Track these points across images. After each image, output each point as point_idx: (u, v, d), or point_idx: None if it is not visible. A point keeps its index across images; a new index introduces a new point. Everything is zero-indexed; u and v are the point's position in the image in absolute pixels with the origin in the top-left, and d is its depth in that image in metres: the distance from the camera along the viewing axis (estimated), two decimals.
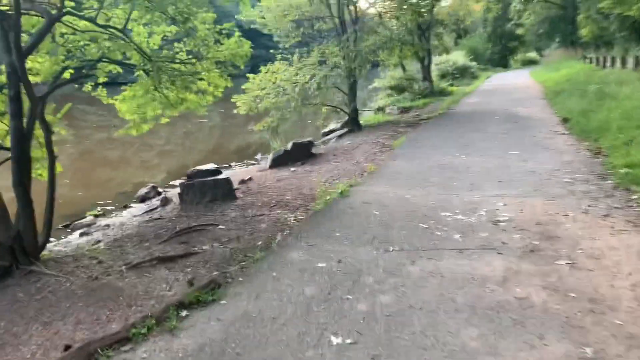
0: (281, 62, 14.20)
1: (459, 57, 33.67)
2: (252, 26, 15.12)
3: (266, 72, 13.74)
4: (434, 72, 29.56)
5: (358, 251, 4.53)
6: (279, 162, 10.65)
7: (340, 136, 13.59)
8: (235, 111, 13.81)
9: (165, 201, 8.25)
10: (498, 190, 6.20)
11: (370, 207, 5.95)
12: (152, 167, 15.66)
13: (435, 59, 30.97)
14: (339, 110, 15.48)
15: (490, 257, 4.15)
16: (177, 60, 7.07)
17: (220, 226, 5.99)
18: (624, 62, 20.30)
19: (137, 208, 8.48)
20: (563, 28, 37.46)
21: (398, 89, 23.83)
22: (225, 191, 7.68)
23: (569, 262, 3.92)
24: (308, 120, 18.39)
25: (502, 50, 51.22)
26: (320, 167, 9.78)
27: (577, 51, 33.92)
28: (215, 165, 8.19)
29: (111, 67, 6.99)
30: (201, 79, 7.60)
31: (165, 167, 15.24)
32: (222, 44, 7.25)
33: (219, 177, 7.81)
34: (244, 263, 4.51)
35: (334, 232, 5.13)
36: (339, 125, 16.73)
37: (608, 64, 22.44)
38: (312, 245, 4.80)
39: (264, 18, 15.32)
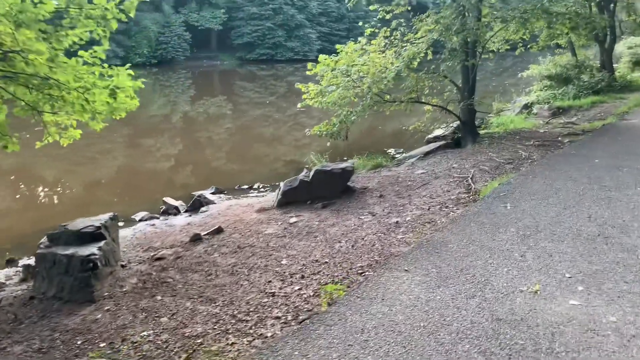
0: (367, 39, 9.96)
1: None
2: None
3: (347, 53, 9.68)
4: (624, 59, 22.04)
5: None
6: (291, 197, 6.76)
7: (427, 154, 8.99)
8: (298, 106, 10.18)
9: None
10: None
11: None
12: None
13: (627, 41, 23.30)
14: (447, 110, 10.69)
15: None
16: None
17: None
18: None
19: None
20: None
21: (559, 79, 17.52)
22: (77, 283, 4.14)
23: None
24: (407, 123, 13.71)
25: None
26: (335, 223, 5.68)
27: None
28: (103, 221, 4.61)
29: None
30: None
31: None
32: None
33: (79, 252, 4.22)
34: None
35: None
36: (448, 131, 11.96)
37: None
38: None
39: None
